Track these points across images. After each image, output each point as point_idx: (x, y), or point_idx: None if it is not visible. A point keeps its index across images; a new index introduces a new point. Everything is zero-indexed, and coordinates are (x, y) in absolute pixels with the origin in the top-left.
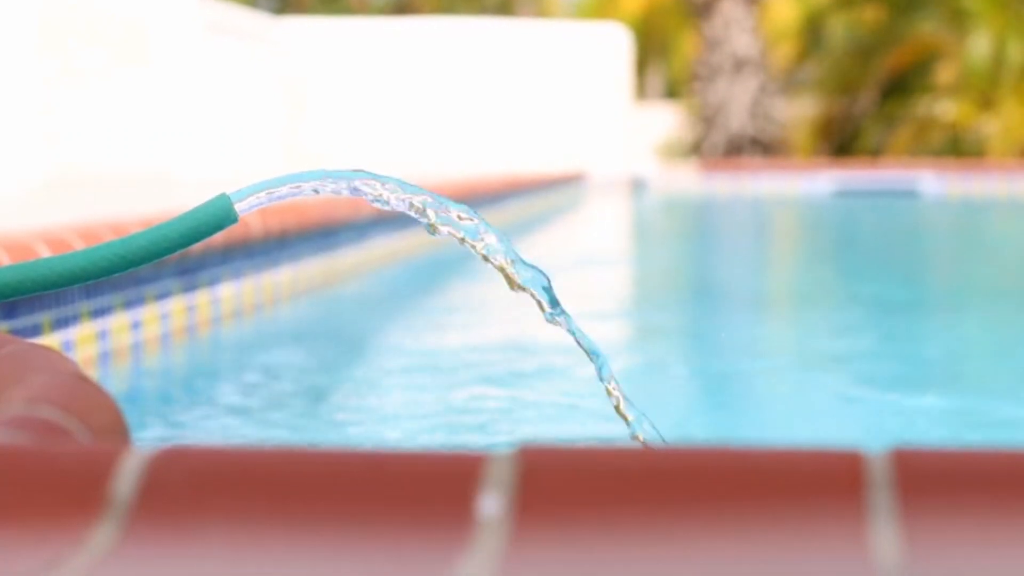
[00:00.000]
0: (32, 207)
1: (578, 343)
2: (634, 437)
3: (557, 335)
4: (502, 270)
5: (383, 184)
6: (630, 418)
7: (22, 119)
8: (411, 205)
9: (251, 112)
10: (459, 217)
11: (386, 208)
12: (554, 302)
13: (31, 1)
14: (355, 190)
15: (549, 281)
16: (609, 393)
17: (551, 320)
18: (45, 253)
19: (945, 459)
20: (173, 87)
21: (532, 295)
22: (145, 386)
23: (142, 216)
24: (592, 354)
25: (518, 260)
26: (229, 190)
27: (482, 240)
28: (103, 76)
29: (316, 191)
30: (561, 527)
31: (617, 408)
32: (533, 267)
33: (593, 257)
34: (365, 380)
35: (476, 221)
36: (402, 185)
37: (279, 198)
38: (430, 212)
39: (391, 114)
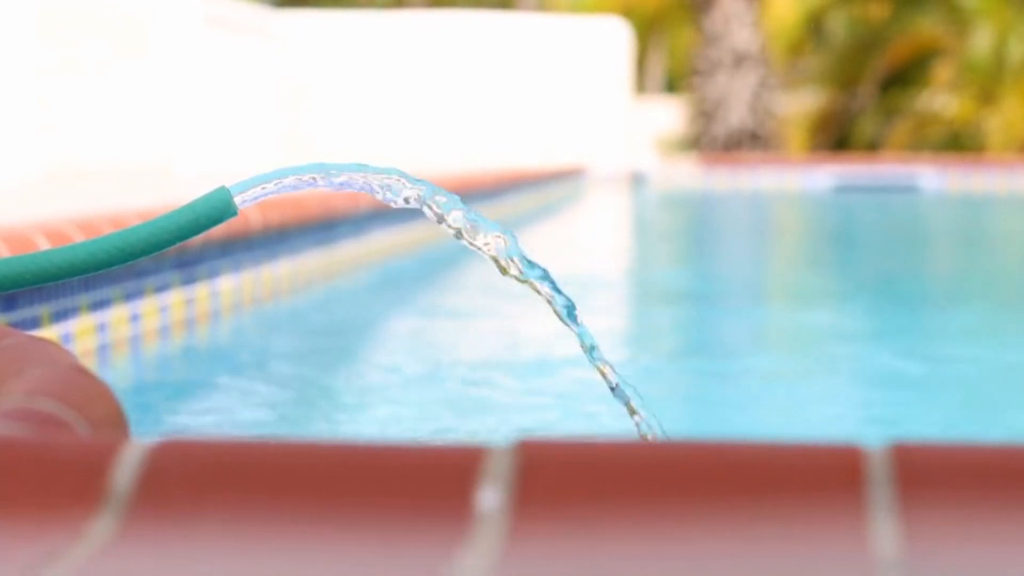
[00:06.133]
0: (31, 199)
1: (589, 355)
2: (635, 421)
3: (555, 329)
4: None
5: (386, 177)
6: (609, 376)
7: (21, 111)
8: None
9: (251, 105)
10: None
11: (389, 202)
12: (592, 346)
13: None
14: (350, 184)
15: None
16: (603, 373)
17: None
18: (44, 245)
19: (944, 454)
20: (173, 79)
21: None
22: (144, 379)
23: (141, 209)
24: (591, 348)
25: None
26: (228, 183)
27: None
28: (103, 68)
29: (315, 183)
30: (559, 520)
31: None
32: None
33: (593, 251)
34: (364, 373)
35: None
36: (405, 177)
37: (279, 191)
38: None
39: (391, 108)
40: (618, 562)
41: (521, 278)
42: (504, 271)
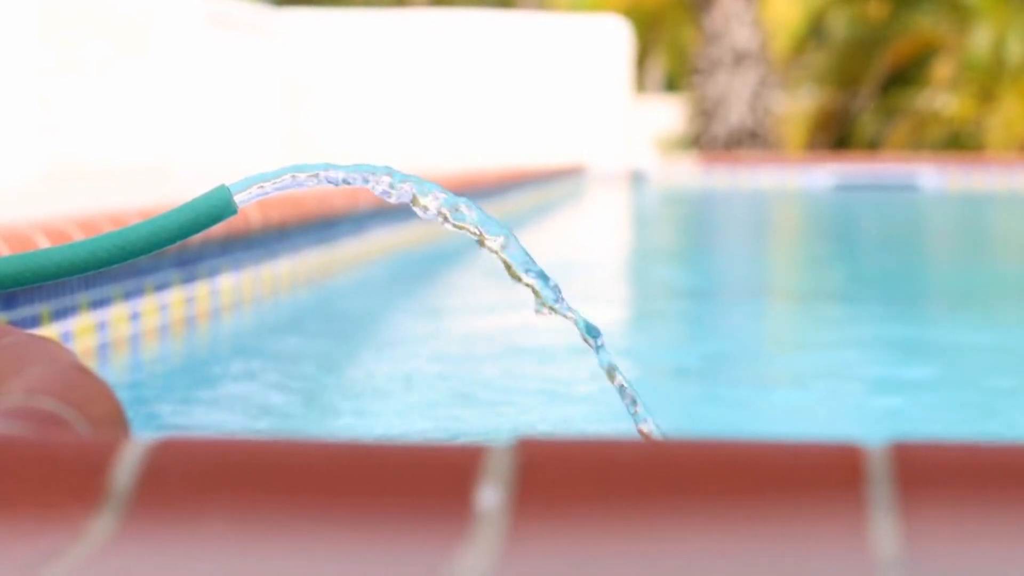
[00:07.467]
0: (31, 198)
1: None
2: (639, 427)
3: (555, 325)
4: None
5: (381, 176)
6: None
7: (21, 110)
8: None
9: (251, 104)
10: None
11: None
12: (593, 332)
13: None
14: (360, 180)
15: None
16: (612, 380)
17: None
18: (45, 244)
19: (944, 453)
20: (173, 78)
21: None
22: (144, 377)
23: (141, 207)
24: (593, 337)
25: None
26: (228, 182)
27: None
28: (103, 68)
29: (316, 181)
30: (559, 519)
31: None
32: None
33: (593, 248)
34: (364, 372)
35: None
36: (400, 176)
37: (279, 190)
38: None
39: (391, 106)
40: (618, 562)
41: (521, 278)
42: (510, 268)
